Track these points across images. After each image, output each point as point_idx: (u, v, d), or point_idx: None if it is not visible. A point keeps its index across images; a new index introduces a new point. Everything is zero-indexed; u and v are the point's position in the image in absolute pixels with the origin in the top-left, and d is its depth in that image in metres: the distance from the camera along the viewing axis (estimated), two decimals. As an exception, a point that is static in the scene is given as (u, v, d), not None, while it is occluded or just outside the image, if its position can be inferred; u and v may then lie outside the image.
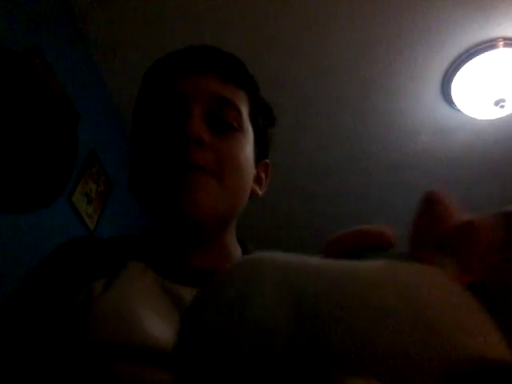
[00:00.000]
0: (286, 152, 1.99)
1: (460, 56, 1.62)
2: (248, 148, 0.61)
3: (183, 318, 0.24)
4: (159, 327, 0.48)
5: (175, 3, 1.50)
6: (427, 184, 2.14)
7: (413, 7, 1.50)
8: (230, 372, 0.20)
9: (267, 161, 0.70)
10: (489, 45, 1.58)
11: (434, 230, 0.24)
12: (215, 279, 0.25)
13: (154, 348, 0.45)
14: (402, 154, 2.01)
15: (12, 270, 1.11)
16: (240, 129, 0.59)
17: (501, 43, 1.58)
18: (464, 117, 1.82)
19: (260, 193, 0.67)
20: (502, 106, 1.69)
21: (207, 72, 0.60)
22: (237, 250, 0.64)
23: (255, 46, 1.62)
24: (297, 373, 0.19)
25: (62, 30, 1.50)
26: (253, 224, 2.05)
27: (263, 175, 0.68)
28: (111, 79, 1.73)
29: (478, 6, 1.48)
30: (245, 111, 0.61)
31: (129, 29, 1.57)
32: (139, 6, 1.50)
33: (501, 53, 1.59)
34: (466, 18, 1.52)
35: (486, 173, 2.06)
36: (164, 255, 0.58)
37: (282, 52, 1.64)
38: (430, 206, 0.25)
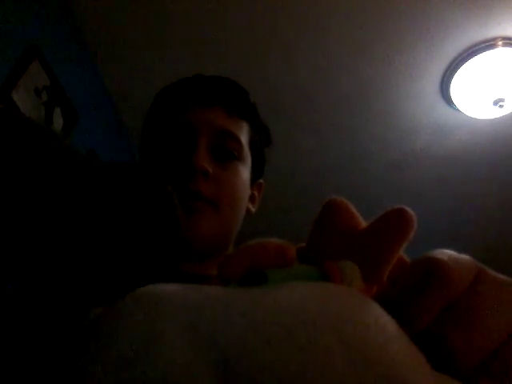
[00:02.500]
0: (285, 151, 1.99)
1: (459, 55, 1.63)
2: (245, 175, 0.67)
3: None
4: None
5: (175, 3, 1.50)
6: (426, 184, 2.14)
7: (412, 7, 1.50)
8: None
9: (261, 181, 0.76)
10: (488, 44, 1.58)
11: (337, 238, 0.24)
12: (97, 327, 0.19)
13: None
14: (401, 153, 2.01)
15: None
16: (240, 157, 0.65)
17: (500, 43, 1.58)
18: (463, 116, 1.82)
19: (253, 210, 0.73)
20: (501, 106, 1.69)
21: (213, 105, 0.65)
22: None
23: (255, 45, 1.61)
24: None
25: (61, 29, 1.50)
26: (253, 224, 2.04)
27: (256, 194, 0.75)
28: (110, 79, 1.73)
29: (477, 6, 1.48)
30: (245, 140, 0.67)
31: (128, 29, 1.57)
32: (139, 5, 1.50)
33: (500, 52, 1.59)
34: (465, 17, 1.52)
35: (485, 172, 2.06)
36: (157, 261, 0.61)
37: (281, 52, 1.64)
38: (332, 213, 0.25)
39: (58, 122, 1.40)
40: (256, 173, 0.72)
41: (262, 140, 0.73)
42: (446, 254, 0.21)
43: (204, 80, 0.69)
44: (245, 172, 0.67)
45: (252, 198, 0.73)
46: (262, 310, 0.18)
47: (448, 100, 1.77)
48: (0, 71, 1.18)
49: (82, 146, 1.56)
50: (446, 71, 1.68)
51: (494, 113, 1.75)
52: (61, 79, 1.42)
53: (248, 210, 0.71)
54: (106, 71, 1.71)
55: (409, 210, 0.24)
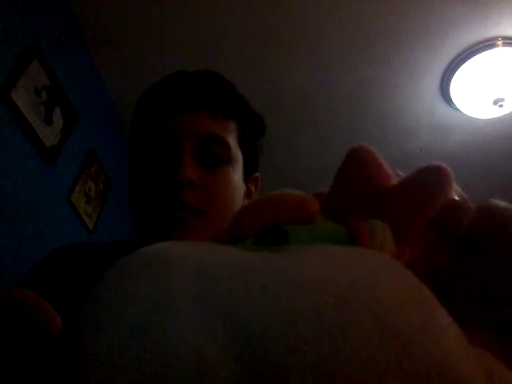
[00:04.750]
0: (285, 151, 1.99)
1: (459, 55, 1.63)
2: (236, 176, 0.66)
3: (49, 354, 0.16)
4: None
5: (175, 3, 1.50)
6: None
7: (412, 6, 1.50)
8: None
9: (257, 174, 0.74)
10: (488, 44, 1.58)
11: (364, 193, 0.21)
12: (96, 292, 0.17)
13: None
14: (400, 152, 2.01)
15: (11, 268, 1.11)
16: (229, 160, 0.64)
17: (500, 42, 1.58)
18: (463, 116, 1.82)
19: None
20: (501, 106, 1.69)
21: (197, 109, 0.63)
22: None
23: (255, 45, 1.61)
24: None
25: (61, 29, 1.49)
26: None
27: (253, 188, 0.73)
28: (110, 79, 1.73)
29: (477, 5, 1.48)
30: (233, 140, 0.65)
31: (128, 28, 1.57)
32: (139, 5, 1.50)
33: (500, 52, 1.59)
34: (465, 17, 1.52)
35: (485, 172, 2.06)
36: None
37: (281, 51, 1.64)
38: (358, 164, 0.22)
39: (57, 121, 1.40)
40: (250, 168, 0.70)
41: (253, 133, 0.71)
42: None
43: (185, 81, 0.67)
44: (236, 173, 0.65)
45: (248, 194, 0.72)
46: (285, 284, 0.16)
47: (448, 100, 1.77)
48: (0, 71, 1.18)
49: (81, 146, 1.56)
50: (446, 71, 1.68)
51: (494, 112, 1.75)
52: (60, 79, 1.42)
53: None
54: (105, 71, 1.71)
55: (446, 166, 0.21)
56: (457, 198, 0.22)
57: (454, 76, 1.67)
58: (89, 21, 1.55)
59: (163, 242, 0.19)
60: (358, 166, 0.22)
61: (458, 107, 1.78)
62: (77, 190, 1.49)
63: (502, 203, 0.21)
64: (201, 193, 0.60)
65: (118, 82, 1.73)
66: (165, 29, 1.57)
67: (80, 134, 1.53)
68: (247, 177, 0.70)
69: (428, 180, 0.21)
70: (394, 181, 0.23)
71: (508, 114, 1.77)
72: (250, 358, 0.14)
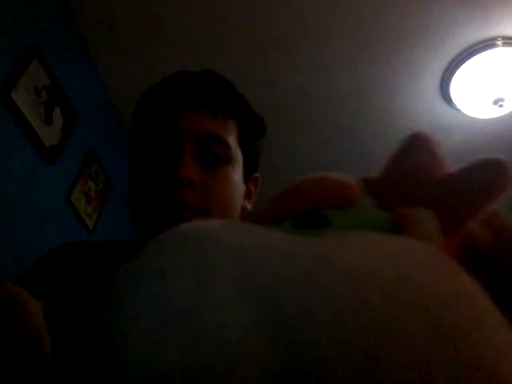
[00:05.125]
0: (284, 151, 1.99)
1: (459, 55, 1.63)
2: (236, 176, 0.65)
3: (96, 319, 0.17)
4: None
5: (175, 3, 1.50)
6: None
7: (412, 6, 1.50)
8: None
9: (257, 175, 0.74)
10: (488, 44, 1.58)
11: (416, 180, 0.20)
12: (135, 267, 0.17)
13: None
14: (400, 153, 2.02)
15: (11, 268, 1.11)
16: (228, 160, 0.63)
17: (500, 42, 1.58)
18: (463, 116, 1.82)
19: (249, 207, 0.71)
20: (501, 106, 1.69)
21: (197, 108, 0.63)
22: None
23: (255, 45, 1.61)
24: None
25: (61, 29, 1.49)
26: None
27: (253, 188, 0.73)
28: (110, 79, 1.73)
29: (477, 5, 1.48)
30: (233, 140, 0.65)
31: (128, 28, 1.57)
32: (139, 5, 1.50)
33: (500, 52, 1.59)
34: (464, 16, 1.52)
35: (485, 172, 2.06)
36: None
37: (281, 51, 1.64)
38: (414, 150, 0.20)
39: (57, 121, 1.40)
40: (250, 168, 0.70)
41: (253, 133, 0.71)
42: None
43: (186, 81, 0.67)
44: (235, 173, 0.65)
45: (248, 194, 0.71)
46: (328, 271, 0.15)
47: (448, 99, 1.77)
48: (0, 71, 1.18)
49: (81, 145, 1.56)
50: (446, 71, 1.68)
51: (494, 112, 1.75)
52: (61, 79, 1.42)
53: (244, 208, 0.70)
54: (105, 71, 1.71)
55: (507, 161, 0.20)
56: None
57: (454, 76, 1.67)
58: (89, 21, 1.55)
59: (203, 220, 0.18)
60: (413, 153, 0.21)
61: (457, 107, 1.78)
62: (77, 189, 1.49)
63: None
64: (200, 192, 0.60)
65: (118, 81, 1.73)
66: (165, 29, 1.57)
67: (80, 133, 1.53)
68: (247, 177, 0.70)
69: (491, 173, 0.20)
70: (449, 170, 0.22)
71: (508, 114, 1.77)
72: (288, 343, 0.13)
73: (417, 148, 0.21)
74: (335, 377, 0.13)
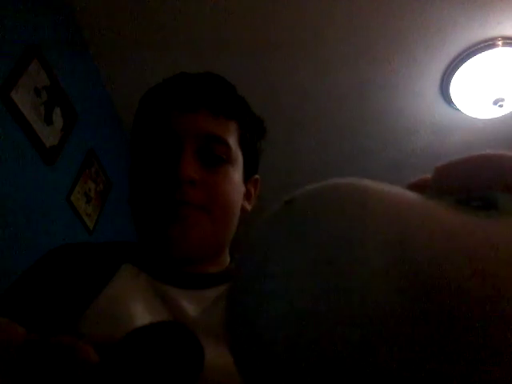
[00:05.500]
0: (284, 151, 1.99)
1: (459, 55, 1.62)
2: (236, 176, 0.66)
3: (232, 286, 0.17)
4: None
5: (175, 3, 1.50)
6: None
7: (412, 6, 1.50)
8: None
9: (257, 176, 0.74)
10: (488, 44, 1.58)
11: None
12: (280, 214, 0.17)
13: None
14: (400, 152, 2.01)
15: (11, 268, 1.11)
16: (229, 160, 0.64)
17: (500, 42, 1.58)
18: (463, 116, 1.82)
19: (249, 208, 0.71)
20: (501, 106, 1.69)
21: (198, 109, 0.63)
22: (226, 261, 0.68)
23: (254, 45, 1.61)
24: None
25: (62, 29, 1.49)
26: (251, 223, 2.03)
27: (252, 190, 0.73)
28: (110, 78, 1.73)
29: (477, 5, 1.48)
30: (233, 140, 0.65)
31: (128, 29, 1.57)
32: (139, 5, 1.50)
33: (500, 52, 1.59)
34: (465, 17, 1.52)
35: (485, 172, 2.06)
36: (157, 262, 0.61)
37: (281, 51, 1.64)
38: None
39: (57, 121, 1.40)
40: (249, 169, 0.71)
41: (253, 135, 0.71)
42: None
43: (187, 81, 0.68)
44: (236, 173, 0.65)
45: (248, 195, 0.72)
46: (493, 255, 0.14)
47: (448, 100, 1.77)
48: (0, 71, 1.18)
49: (81, 146, 1.56)
50: (446, 71, 1.68)
51: (494, 112, 1.74)
52: (61, 79, 1.42)
53: (244, 209, 0.70)
54: (105, 71, 1.71)
55: None
56: None
57: (454, 76, 1.67)
58: (89, 21, 1.55)
59: (360, 180, 0.17)
60: None
61: (458, 107, 1.78)
62: (77, 189, 1.49)
63: None
64: (201, 190, 0.60)
65: (118, 81, 1.73)
66: (165, 29, 1.57)
67: (80, 133, 1.53)
68: (247, 178, 0.70)
69: None
70: None
71: (508, 114, 1.77)
72: (436, 333, 0.13)
73: None
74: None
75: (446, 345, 0.13)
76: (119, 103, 1.80)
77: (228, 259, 0.69)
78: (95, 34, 1.59)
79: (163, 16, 1.53)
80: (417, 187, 0.19)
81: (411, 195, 0.17)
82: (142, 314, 0.51)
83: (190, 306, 0.55)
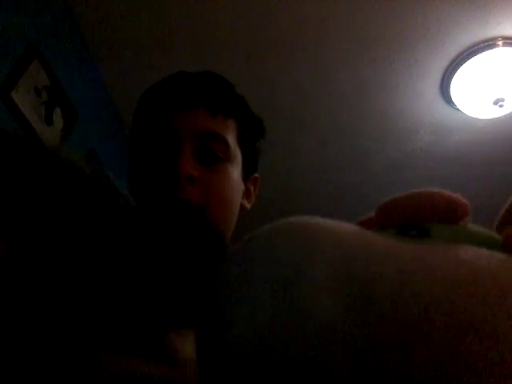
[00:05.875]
0: (284, 151, 1.99)
1: (459, 55, 1.62)
2: (235, 174, 0.66)
3: (204, 304, 0.19)
4: None
5: (175, 3, 1.50)
6: (426, 183, 2.13)
7: (412, 6, 1.50)
8: None
9: (256, 175, 0.74)
10: (488, 44, 1.58)
11: None
12: (246, 248, 0.19)
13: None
14: (400, 153, 2.01)
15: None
16: (227, 158, 0.64)
17: (500, 42, 1.57)
18: (463, 116, 1.82)
19: (248, 206, 0.72)
20: (501, 106, 1.69)
21: (196, 106, 0.63)
22: None
23: (254, 44, 1.61)
24: None
25: (62, 29, 1.49)
26: (251, 223, 2.03)
27: (252, 188, 0.73)
28: (110, 79, 1.73)
29: (478, 5, 1.48)
30: (232, 139, 0.65)
31: (128, 28, 1.57)
32: (139, 5, 1.50)
33: (500, 52, 1.59)
34: (465, 17, 1.52)
35: (486, 172, 2.06)
36: None
37: (281, 51, 1.64)
38: None
39: (57, 121, 1.40)
40: (249, 168, 0.71)
41: (252, 133, 0.71)
42: None
43: (186, 80, 0.68)
44: (234, 171, 0.66)
45: (247, 194, 0.72)
46: (423, 272, 0.16)
47: (448, 100, 1.77)
48: (0, 71, 1.18)
49: (81, 146, 1.56)
50: (446, 71, 1.68)
51: (494, 112, 1.74)
52: (61, 79, 1.42)
53: (243, 207, 0.70)
54: (105, 71, 1.71)
55: None
56: None
57: (455, 76, 1.67)
58: (89, 21, 1.55)
59: (312, 217, 0.20)
60: None
61: (458, 107, 1.78)
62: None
63: None
64: (199, 188, 0.60)
65: (119, 82, 1.73)
66: (165, 28, 1.57)
67: (80, 134, 1.53)
68: (246, 176, 0.71)
69: None
70: None
71: (508, 114, 1.77)
72: (376, 333, 0.14)
73: None
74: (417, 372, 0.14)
75: (384, 349, 0.14)
76: (120, 103, 1.80)
77: None
78: (95, 34, 1.59)
79: (163, 16, 1.54)
80: (365, 224, 0.21)
81: (355, 228, 0.20)
82: None
83: None
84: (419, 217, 0.19)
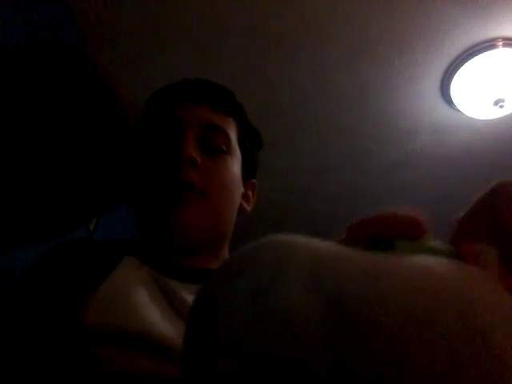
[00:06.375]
0: (284, 151, 1.99)
1: (459, 56, 1.62)
2: (235, 168, 0.67)
3: (192, 311, 0.21)
4: (154, 317, 0.49)
5: (175, 4, 1.50)
6: (426, 184, 2.14)
7: (412, 7, 1.50)
8: None
9: (254, 181, 0.76)
10: (488, 45, 1.58)
11: (492, 223, 0.22)
12: (227, 263, 0.22)
13: (149, 336, 0.46)
14: (401, 153, 2.01)
15: (13, 266, 1.11)
16: (228, 151, 0.66)
17: (500, 43, 1.57)
18: (463, 117, 1.82)
19: (248, 209, 0.73)
20: (502, 106, 1.69)
21: (200, 102, 0.66)
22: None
23: (254, 45, 1.61)
24: None
25: (61, 29, 1.50)
26: (251, 223, 2.04)
27: (250, 194, 0.75)
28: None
29: (478, 6, 1.48)
30: (233, 135, 0.68)
31: (128, 29, 1.57)
32: (139, 6, 1.50)
33: (500, 53, 1.59)
34: (465, 17, 1.52)
35: (486, 173, 2.06)
36: (157, 255, 0.62)
37: (281, 51, 1.64)
38: (497, 197, 0.24)
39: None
40: (247, 171, 0.72)
41: (251, 141, 0.74)
42: None
43: (190, 81, 0.71)
44: (234, 165, 0.67)
45: (246, 198, 0.73)
46: (384, 274, 0.18)
47: (448, 100, 1.77)
48: None
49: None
50: (447, 71, 1.68)
51: (495, 113, 1.75)
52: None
53: (243, 209, 0.72)
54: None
55: None
56: None
57: (455, 77, 1.67)
58: (89, 21, 1.55)
59: (287, 235, 0.22)
60: (502, 205, 0.24)
61: (458, 108, 1.78)
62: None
63: None
64: (201, 173, 0.62)
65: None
66: (164, 28, 1.57)
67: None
68: (245, 179, 0.72)
69: None
70: None
71: (508, 115, 1.77)
72: (343, 329, 0.16)
73: (502, 196, 0.24)
74: (375, 357, 0.15)
75: (351, 342, 0.16)
76: (119, 103, 1.80)
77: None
78: (96, 34, 1.59)
79: (164, 16, 1.54)
80: (341, 242, 0.23)
81: (328, 243, 0.22)
82: (144, 302, 0.51)
83: (191, 298, 0.55)
84: (384, 234, 0.22)
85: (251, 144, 0.74)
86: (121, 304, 0.50)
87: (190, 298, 0.56)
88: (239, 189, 0.70)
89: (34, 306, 0.52)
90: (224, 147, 0.65)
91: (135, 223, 0.71)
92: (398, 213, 0.23)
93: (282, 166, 2.03)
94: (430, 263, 0.19)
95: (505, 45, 1.57)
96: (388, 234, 0.22)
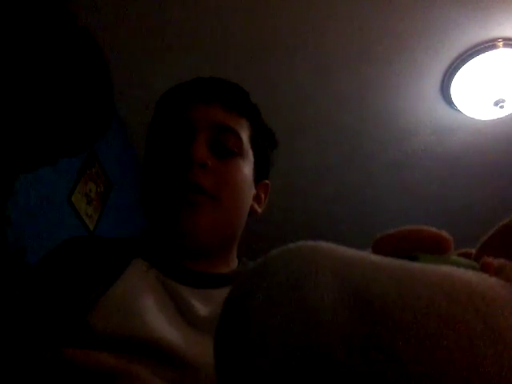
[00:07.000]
0: (284, 151, 1.99)
1: (460, 56, 1.62)
2: (247, 170, 0.66)
3: (225, 306, 0.23)
4: (162, 323, 0.49)
5: (175, 5, 1.50)
6: (426, 184, 2.14)
7: (412, 7, 1.50)
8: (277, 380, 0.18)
9: (267, 181, 0.75)
10: (489, 45, 1.58)
11: None
12: (261, 262, 0.23)
13: (157, 343, 0.46)
14: (401, 153, 2.01)
15: (9, 268, 1.11)
16: (240, 153, 0.65)
17: (500, 43, 1.57)
18: (463, 117, 1.82)
19: (259, 211, 0.73)
20: (502, 107, 1.69)
21: (212, 102, 0.65)
22: (234, 263, 0.69)
23: (254, 45, 1.61)
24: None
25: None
26: (251, 223, 2.04)
27: (262, 195, 0.74)
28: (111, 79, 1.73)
29: (478, 6, 1.48)
30: (245, 136, 0.66)
31: (130, 29, 1.57)
32: (140, 8, 1.50)
33: (500, 53, 1.59)
34: (465, 18, 1.52)
35: (486, 173, 2.06)
36: (166, 258, 0.61)
37: (281, 51, 1.64)
38: None
39: (58, 122, 1.40)
40: (260, 172, 0.71)
41: (264, 140, 0.72)
42: None
43: (204, 80, 0.70)
44: (246, 167, 0.66)
45: (258, 199, 0.72)
46: (407, 276, 0.19)
47: (448, 100, 1.77)
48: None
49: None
50: (447, 72, 1.68)
51: (495, 113, 1.74)
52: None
53: (254, 210, 0.71)
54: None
55: None
56: None
57: (455, 77, 1.67)
58: (89, 24, 1.55)
59: (313, 241, 0.23)
60: None
61: (458, 108, 1.78)
62: (77, 190, 1.50)
63: None
64: (212, 177, 0.61)
65: (120, 84, 1.73)
66: (166, 29, 1.57)
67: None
68: (257, 180, 0.71)
69: None
70: None
71: (509, 115, 1.77)
72: (370, 324, 0.17)
73: None
74: (405, 355, 0.17)
75: (373, 338, 0.17)
76: (120, 104, 1.80)
77: (236, 261, 0.69)
78: (95, 36, 1.59)
79: (164, 17, 1.54)
80: None
81: (352, 249, 0.23)
82: (152, 308, 0.51)
83: (200, 305, 0.56)
84: (409, 247, 0.23)
85: (264, 144, 0.73)
86: (128, 310, 0.50)
87: (197, 304, 0.55)
88: (250, 191, 0.69)
89: (42, 309, 0.52)
90: (236, 149, 0.64)
91: (139, 216, 0.71)
92: (424, 228, 0.24)
93: (281, 167, 2.03)
94: (453, 271, 0.20)
95: (505, 45, 1.57)
96: (413, 247, 0.23)
